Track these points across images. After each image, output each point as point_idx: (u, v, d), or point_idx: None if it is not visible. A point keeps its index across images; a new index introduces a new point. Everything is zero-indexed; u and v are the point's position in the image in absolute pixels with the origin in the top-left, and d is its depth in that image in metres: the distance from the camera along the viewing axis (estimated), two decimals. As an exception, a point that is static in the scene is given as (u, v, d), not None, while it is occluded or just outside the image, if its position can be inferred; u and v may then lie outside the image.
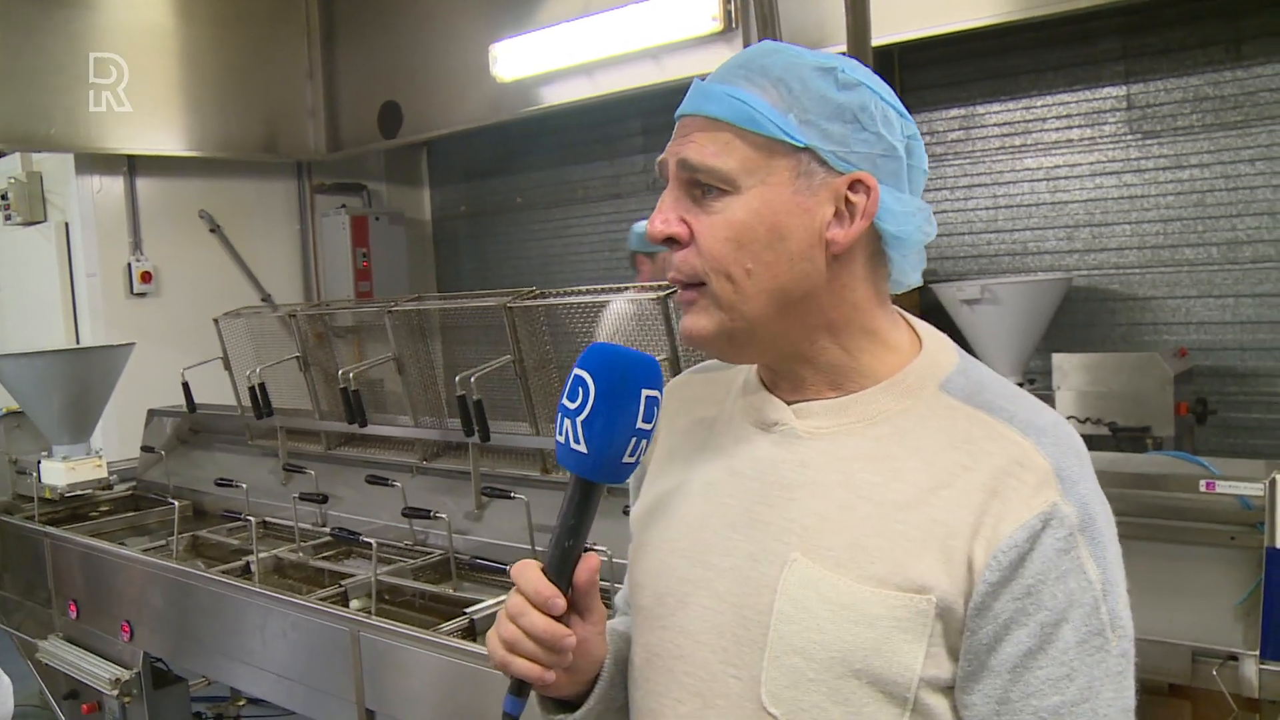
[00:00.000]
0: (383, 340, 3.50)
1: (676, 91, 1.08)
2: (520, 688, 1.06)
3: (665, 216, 1.03)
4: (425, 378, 3.48)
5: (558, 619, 1.03)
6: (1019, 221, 4.62)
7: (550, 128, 5.97)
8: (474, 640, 2.51)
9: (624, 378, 1.01)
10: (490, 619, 2.62)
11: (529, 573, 1.04)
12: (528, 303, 3.08)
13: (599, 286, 3.03)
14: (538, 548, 2.85)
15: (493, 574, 2.94)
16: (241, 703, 4.29)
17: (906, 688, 0.96)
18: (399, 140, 5.92)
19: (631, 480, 1.23)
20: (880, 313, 1.07)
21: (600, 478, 1.03)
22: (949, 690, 0.98)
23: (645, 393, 1.01)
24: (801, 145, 0.99)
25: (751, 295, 1.01)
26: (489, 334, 3.29)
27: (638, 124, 5.82)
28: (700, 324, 1.04)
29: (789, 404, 1.07)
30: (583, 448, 1.01)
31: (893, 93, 1.05)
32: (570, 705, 1.18)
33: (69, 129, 5.39)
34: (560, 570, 1.04)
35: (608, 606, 1.19)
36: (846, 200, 1.00)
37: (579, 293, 3.04)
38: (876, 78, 1.04)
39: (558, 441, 1.04)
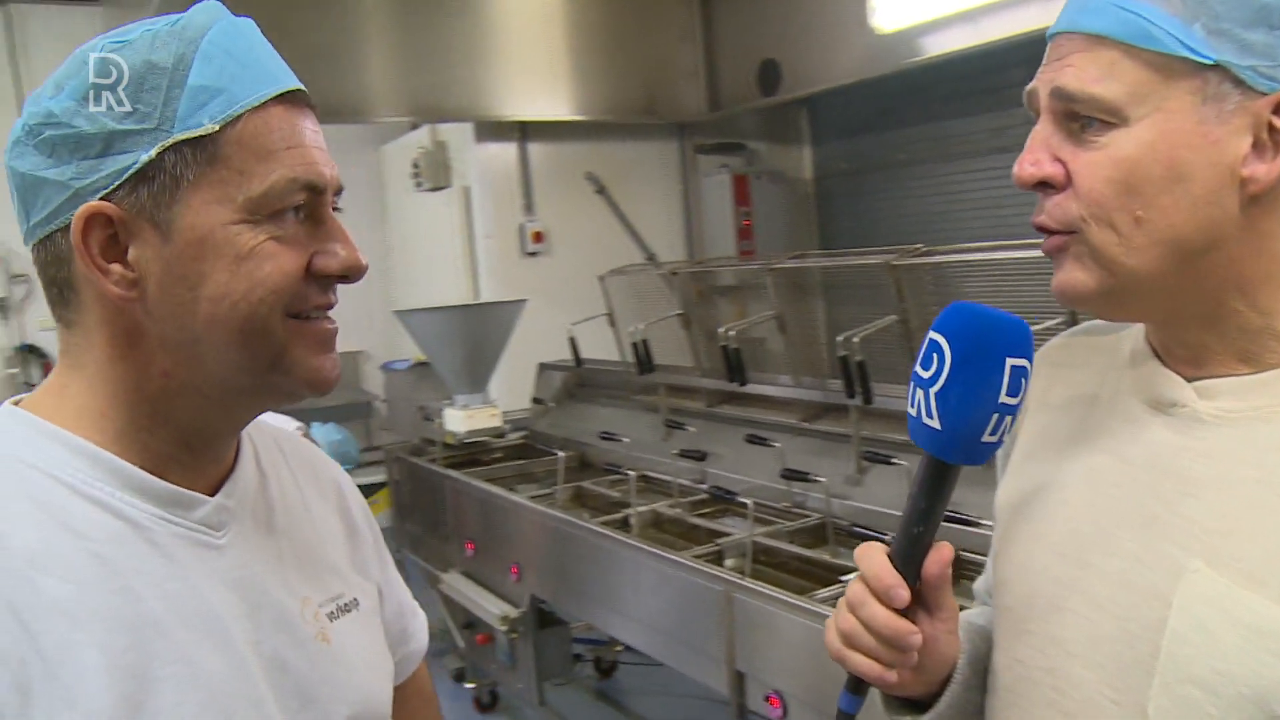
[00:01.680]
0: (766, 299, 3.47)
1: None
2: (858, 685, 0.96)
3: (1035, 156, 0.87)
4: (807, 337, 3.43)
5: (903, 613, 0.92)
6: None
7: (931, 79, 5.71)
8: (851, 609, 2.44)
9: (986, 343, 0.87)
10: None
11: (873, 557, 0.94)
12: (913, 261, 2.94)
13: (989, 244, 2.85)
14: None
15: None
16: (619, 648, 4.44)
17: None
18: (778, 98, 5.86)
19: (999, 456, 1.07)
20: None
21: (955, 458, 0.90)
22: None
23: (1011, 362, 0.86)
24: (1210, 62, 0.80)
25: (1141, 248, 0.83)
26: (873, 293, 3.18)
27: (1022, 73, 5.42)
28: (1076, 279, 0.87)
29: (1189, 380, 0.89)
30: (935, 423, 0.88)
31: None
32: (918, 705, 1.05)
33: (467, 100, 5.74)
34: (908, 559, 0.93)
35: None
36: (1270, 127, 0.81)
37: (968, 250, 2.87)
38: None
39: (909, 414, 0.92)
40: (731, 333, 3.46)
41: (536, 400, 4.82)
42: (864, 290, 3.25)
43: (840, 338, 2.96)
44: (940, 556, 0.94)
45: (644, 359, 3.98)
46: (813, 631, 2.29)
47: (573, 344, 4.48)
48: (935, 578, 0.94)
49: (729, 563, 2.88)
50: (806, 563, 2.86)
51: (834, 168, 6.72)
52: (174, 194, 0.86)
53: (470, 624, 4.01)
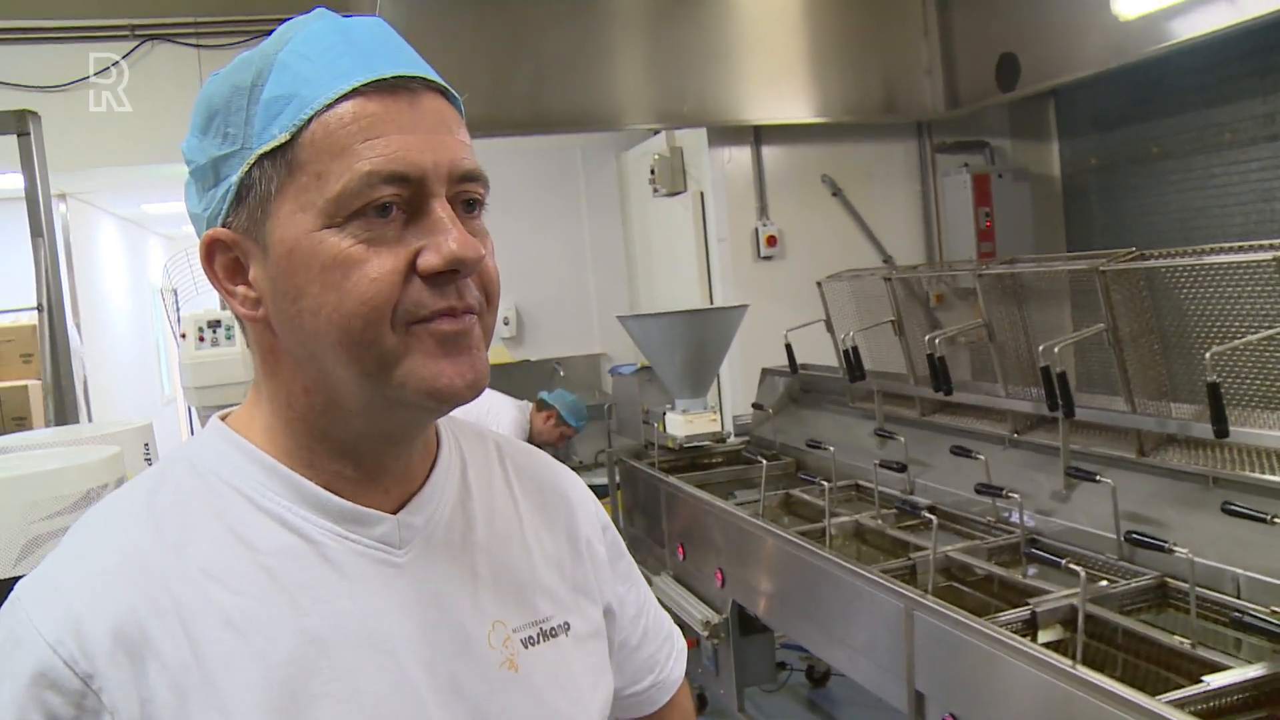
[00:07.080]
0: (992, 305, 3.33)
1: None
2: None
3: None
4: (1018, 345, 3.27)
5: None
6: None
7: (1188, 66, 5.31)
8: (1033, 635, 2.31)
9: None
10: (1056, 613, 2.40)
11: None
12: (1123, 265, 2.76)
13: (1208, 247, 2.63)
14: (1123, 537, 2.57)
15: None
16: (834, 659, 4.38)
17: None
18: (1017, 93, 5.60)
19: None
20: None
21: None
22: None
23: None
24: None
25: None
26: (1087, 299, 3.01)
27: (1292, 51, 4.99)
28: None
29: None
30: None
31: None
32: None
33: (702, 105, 5.79)
34: None
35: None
36: None
37: (1184, 254, 2.67)
38: None
39: None
40: (937, 340, 3.35)
41: (756, 406, 4.81)
42: (1079, 296, 3.07)
43: (1041, 347, 2.82)
44: None
45: (854, 365, 3.90)
46: (986, 654, 2.20)
47: (789, 350, 4.44)
48: None
49: (923, 579, 2.79)
50: (1000, 583, 2.74)
51: (1083, 163, 6.37)
52: (265, 209, 0.85)
53: (680, 627, 4.04)
